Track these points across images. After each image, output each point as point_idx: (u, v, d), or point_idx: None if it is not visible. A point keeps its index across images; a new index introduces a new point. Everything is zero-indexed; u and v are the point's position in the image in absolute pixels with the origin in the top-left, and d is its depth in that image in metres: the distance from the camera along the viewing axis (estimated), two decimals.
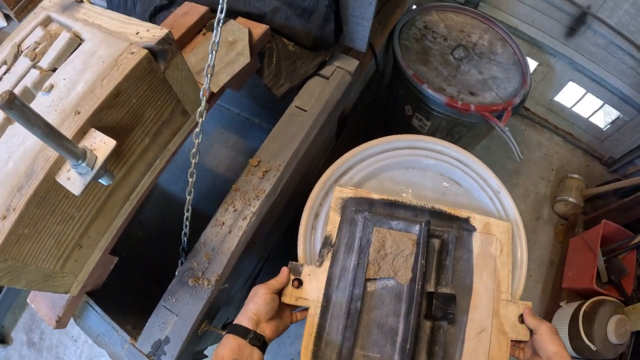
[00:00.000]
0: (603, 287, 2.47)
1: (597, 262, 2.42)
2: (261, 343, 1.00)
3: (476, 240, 1.21)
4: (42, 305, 1.19)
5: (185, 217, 1.13)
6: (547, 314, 2.64)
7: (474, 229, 1.21)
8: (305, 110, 1.33)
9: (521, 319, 1.15)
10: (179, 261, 1.17)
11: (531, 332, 1.11)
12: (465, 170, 1.33)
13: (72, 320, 1.24)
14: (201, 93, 1.01)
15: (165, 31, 0.87)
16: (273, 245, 1.69)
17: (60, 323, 1.17)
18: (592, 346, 2.14)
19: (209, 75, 1.02)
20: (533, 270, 2.95)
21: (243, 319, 1.00)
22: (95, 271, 1.08)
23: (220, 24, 1.03)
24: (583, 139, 3.38)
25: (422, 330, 1.12)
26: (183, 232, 1.15)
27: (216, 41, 1.02)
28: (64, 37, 0.92)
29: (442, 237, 1.19)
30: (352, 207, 1.18)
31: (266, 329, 1.03)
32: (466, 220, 1.22)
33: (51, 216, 0.83)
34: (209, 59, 1.01)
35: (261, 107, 1.88)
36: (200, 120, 1.03)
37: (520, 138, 3.35)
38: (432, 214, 1.21)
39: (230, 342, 0.96)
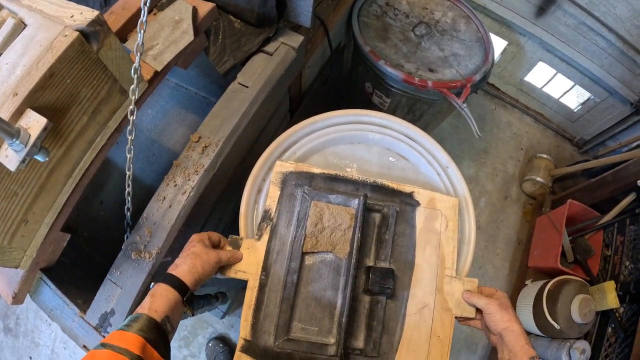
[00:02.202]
0: (569, 266, 2.50)
1: (562, 241, 2.43)
2: (188, 304, 0.95)
3: (420, 215, 1.20)
4: (0, 282, 1.20)
5: (126, 192, 1.15)
6: (514, 293, 2.66)
7: (417, 203, 1.20)
8: (247, 87, 1.32)
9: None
10: (125, 236, 1.18)
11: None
12: (412, 145, 1.32)
13: None
14: (132, 71, 1.01)
15: (95, 13, 0.89)
16: (228, 222, 1.69)
17: (17, 299, 1.18)
18: (555, 325, 2.15)
19: (138, 54, 1.02)
20: (500, 248, 2.97)
21: (187, 276, 0.95)
22: (47, 247, 1.10)
23: (147, 3, 1.03)
24: (554, 119, 3.39)
25: (361, 304, 1.12)
26: (126, 207, 1.17)
27: (143, 20, 1.02)
28: (9, 24, 0.94)
29: (382, 211, 1.17)
30: (292, 181, 1.16)
31: (195, 289, 0.99)
32: (410, 195, 1.21)
33: None
34: (138, 38, 1.02)
35: (216, 86, 1.85)
36: (134, 97, 1.04)
37: (490, 117, 3.35)
38: (373, 189, 1.19)
39: (169, 296, 0.90)
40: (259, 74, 1.34)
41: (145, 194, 1.13)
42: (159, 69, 1.18)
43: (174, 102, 2.00)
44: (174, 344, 2.40)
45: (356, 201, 1.14)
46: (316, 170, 1.18)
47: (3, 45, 0.93)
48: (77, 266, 1.46)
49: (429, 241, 1.19)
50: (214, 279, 1.10)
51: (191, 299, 0.95)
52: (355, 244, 1.09)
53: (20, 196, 0.92)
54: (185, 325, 2.52)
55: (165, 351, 0.83)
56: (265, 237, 1.11)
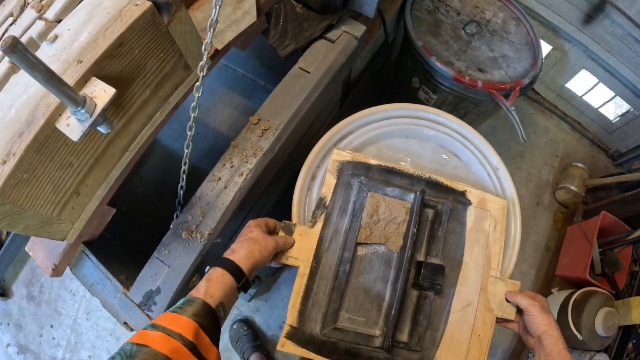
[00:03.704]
0: (596, 278, 2.47)
1: (592, 253, 2.40)
2: (242, 291, 0.94)
3: (471, 215, 1.20)
4: (40, 253, 1.21)
5: (182, 170, 1.13)
6: None
7: (469, 203, 1.21)
8: (309, 72, 1.32)
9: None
10: (175, 215, 1.17)
11: (521, 311, 1.12)
12: (465, 144, 1.32)
13: (71, 274, 1.26)
14: (203, 47, 1.00)
15: None
16: (271, 207, 1.70)
17: (57, 271, 1.19)
18: (579, 335, 2.14)
19: (212, 30, 1.00)
20: (528, 255, 2.95)
21: (244, 261, 0.94)
22: (92, 221, 1.09)
23: None
24: (591, 129, 3.33)
25: (409, 298, 1.12)
26: (180, 185, 1.15)
27: None
28: None
29: (437, 208, 1.18)
30: (349, 171, 1.17)
31: (250, 277, 0.98)
32: (462, 194, 1.21)
33: (50, 162, 0.85)
34: (213, 14, 1.00)
35: (267, 69, 1.87)
36: (202, 74, 1.02)
37: (528, 122, 3.30)
38: (428, 184, 1.20)
39: (225, 282, 0.88)
40: (321, 60, 1.34)
41: (188, 172, 1.14)
42: (219, 48, 1.18)
43: (221, 82, 2.01)
44: None
45: (412, 196, 1.15)
46: (373, 162, 1.19)
47: (63, 12, 0.92)
48: (117, 242, 1.47)
49: (478, 241, 1.19)
50: None
51: (247, 286, 0.94)
52: (410, 238, 1.10)
53: (76, 168, 0.92)
54: None
55: (216, 339, 0.81)
56: (320, 225, 1.12)
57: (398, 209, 1.14)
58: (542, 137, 3.29)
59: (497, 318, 1.16)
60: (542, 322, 1.04)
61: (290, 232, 1.10)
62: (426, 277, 1.08)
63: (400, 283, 1.07)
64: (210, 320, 0.80)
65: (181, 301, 0.82)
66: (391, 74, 2.49)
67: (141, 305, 1.11)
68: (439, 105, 2.10)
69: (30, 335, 2.68)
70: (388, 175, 1.18)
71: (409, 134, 1.32)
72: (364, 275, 1.11)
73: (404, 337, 1.10)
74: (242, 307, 2.61)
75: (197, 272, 1.18)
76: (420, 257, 1.15)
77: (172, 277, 1.11)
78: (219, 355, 0.81)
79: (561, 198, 3.07)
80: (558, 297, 2.43)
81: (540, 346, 1.02)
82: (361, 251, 1.13)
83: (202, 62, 1.02)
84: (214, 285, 0.86)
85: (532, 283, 2.87)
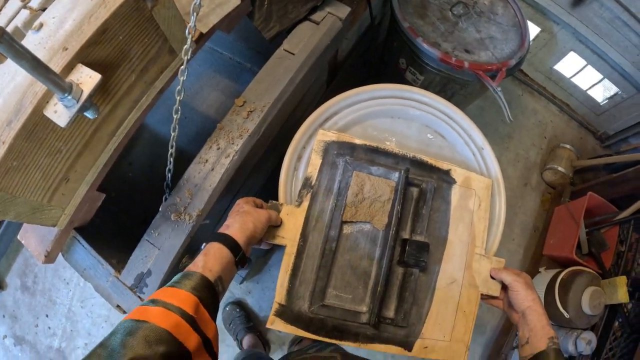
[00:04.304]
0: (582, 258, 2.51)
1: (579, 233, 2.44)
2: (240, 266, 0.94)
3: (455, 193, 1.22)
4: (32, 240, 1.22)
5: (169, 153, 1.14)
6: None
7: (453, 181, 1.22)
8: (293, 54, 1.32)
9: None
10: (164, 197, 1.18)
11: (506, 287, 1.14)
12: (450, 124, 1.33)
13: (64, 263, 1.27)
14: (187, 31, 1.00)
15: None
16: (259, 187, 1.71)
17: (49, 258, 1.21)
18: (565, 313, 2.18)
19: (195, 14, 1.01)
20: (516, 234, 2.99)
21: (239, 234, 0.92)
22: (82, 206, 1.10)
23: None
24: (579, 111, 3.36)
25: (394, 275, 1.14)
26: (167, 168, 1.16)
27: None
28: None
29: (421, 186, 1.19)
30: (334, 150, 1.18)
31: (247, 251, 0.97)
32: (447, 173, 1.23)
33: (39, 149, 0.87)
34: None
35: (253, 52, 1.86)
36: (186, 57, 1.02)
37: (516, 103, 3.32)
38: (413, 163, 1.21)
39: (222, 255, 0.87)
40: (305, 42, 1.34)
41: (176, 156, 1.14)
42: (204, 31, 1.18)
43: (207, 66, 2.01)
44: None
45: (397, 174, 1.16)
46: (358, 141, 1.19)
47: (47, 0, 0.92)
48: (108, 226, 1.48)
49: (462, 219, 1.21)
50: None
51: (243, 260, 0.93)
52: (394, 215, 1.11)
53: (64, 153, 0.93)
54: None
55: (214, 314, 0.80)
56: (306, 203, 1.13)
57: (383, 187, 1.15)
58: (530, 118, 3.31)
59: (481, 294, 1.18)
60: (525, 297, 1.06)
61: (277, 210, 1.11)
62: (411, 254, 1.10)
63: (385, 260, 1.09)
64: (209, 294, 0.80)
65: (178, 275, 0.80)
66: (378, 55, 2.48)
67: (132, 287, 1.13)
68: (425, 86, 2.10)
69: (26, 325, 2.68)
70: (373, 155, 1.19)
71: (394, 114, 1.32)
72: (350, 252, 1.13)
73: (390, 313, 1.12)
74: (234, 289, 2.63)
75: (186, 253, 1.19)
76: (405, 235, 1.16)
77: (162, 258, 1.12)
78: (217, 330, 0.80)
79: (548, 179, 3.10)
80: (545, 275, 2.48)
81: (524, 321, 1.04)
82: (347, 229, 1.14)
83: (186, 46, 1.02)
84: (211, 259, 0.85)
85: (520, 262, 2.91)
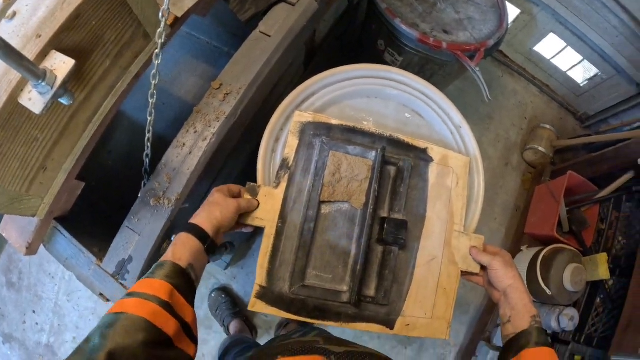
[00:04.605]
0: (564, 236, 2.55)
1: (559, 211, 2.48)
2: (210, 254, 0.95)
3: (432, 171, 1.22)
4: (13, 232, 1.22)
5: (146, 138, 1.14)
6: None
7: (431, 159, 1.23)
8: (269, 36, 1.31)
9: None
10: (142, 183, 1.18)
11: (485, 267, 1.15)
12: (428, 102, 1.33)
13: (48, 257, 1.26)
14: (160, 14, 1.00)
15: None
16: (239, 170, 1.70)
17: (31, 249, 1.20)
18: (547, 290, 2.22)
19: None
20: (498, 213, 3.03)
21: (206, 223, 0.94)
22: (62, 195, 1.10)
23: None
24: (559, 92, 3.39)
25: (374, 254, 1.15)
26: (145, 153, 1.16)
27: None
28: None
29: (398, 164, 1.19)
30: (310, 131, 1.17)
31: (217, 239, 0.99)
32: (424, 151, 1.23)
33: (15, 138, 0.87)
34: None
35: (231, 36, 1.84)
36: (160, 41, 1.01)
37: (497, 84, 3.34)
38: (390, 142, 1.21)
39: (190, 244, 0.89)
40: (281, 23, 1.33)
41: (155, 142, 1.14)
42: (179, 15, 1.17)
43: (184, 51, 1.99)
44: None
45: (373, 153, 1.16)
46: (334, 122, 1.19)
47: None
48: (88, 216, 1.47)
49: (440, 197, 1.22)
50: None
51: (213, 248, 0.95)
52: (372, 194, 1.12)
53: (41, 142, 0.93)
54: None
55: (191, 299, 0.83)
56: (283, 185, 1.12)
57: (360, 167, 1.15)
58: (510, 99, 3.34)
59: (462, 271, 1.19)
60: (505, 275, 1.06)
61: (254, 193, 1.10)
62: (389, 232, 1.11)
63: (364, 239, 1.09)
64: (183, 280, 0.82)
65: (153, 267, 0.83)
66: (357, 37, 2.47)
67: (114, 274, 1.13)
68: (404, 67, 2.10)
69: (14, 323, 2.66)
70: (349, 134, 1.19)
71: (372, 94, 1.32)
72: (328, 232, 1.13)
73: (370, 291, 1.13)
74: (219, 275, 2.64)
75: (167, 239, 1.19)
76: (384, 213, 1.17)
77: (143, 244, 1.12)
78: (194, 314, 0.83)
79: (529, 158, 3.13)
80: (527, 254, 2.51)
81: (506, 300, 1.04)
82: (325, 209, 1.14)
83: (159, 29, 1.01)
84: (179, 248, 0.87)
85: (502, 241, 2.96)
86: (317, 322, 1.10)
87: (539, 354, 0.90)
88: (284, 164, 1.14)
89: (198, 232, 0.92)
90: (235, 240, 2.23)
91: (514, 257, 2.66)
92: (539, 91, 3.41)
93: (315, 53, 1.89)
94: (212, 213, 0.96)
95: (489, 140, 3.19)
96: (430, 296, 1.16)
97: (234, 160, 1.53)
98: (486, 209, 2.96)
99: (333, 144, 1.16)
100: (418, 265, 1.16)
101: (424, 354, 2.72)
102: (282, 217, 1.10)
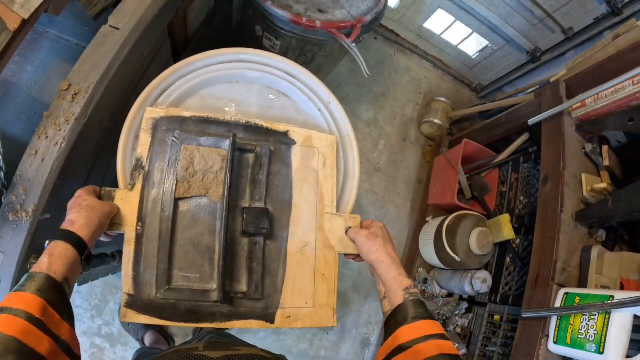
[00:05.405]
0: (467, 203, 2.65)
1: (458, 179, 2.56)
2: (85, 265, 0.89)
3: (296, 154, 1.21)
4: None
5: None
6: (417, 229, 2.80)
7: (293, 142, 1.21)
8: (118, 29, 1.24)
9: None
10: (2, 199, 1.10)
11: None
12: (292, 81, 1.31)
13: None
14: None
15: None
16: (114, 175, 1.63)
17: None
18: (456, 257, 2.29)
19: None
20: (401, 189, 3.09)
21: (85, 230, 0.87)
22: None
23: None
24: (452, 65, 3.50)
25: (240, 247, 1.12)
26: None
27: None
28: None
29: (256, 151, 1.16)
30: (163, 127, 1.12)
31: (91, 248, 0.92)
32: (285, 134, 1.21)
33: None
34: None
35: None
36: None
37: (389, 62, 3.39)
38: (247, 129, 1.18)
39: (67, 254, 0.82)
40: (130, 15, 1.26)
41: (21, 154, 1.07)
42: (26, 17, 1.09)
43: (54, 55, 1.86)
44: (86, 314, 2.31)
45: (227, 142, 1.12)
46: (187, 114, 1.15)
47: None
48: None
49: (307, 180, 1.20)
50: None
51: (89, 258, 0.89)
52: (225, 185, 1.07)
53: None
54: (95, 294, 2.41)
55: (68, 315, 0.76)
56: (138, 186, 1.07)
57: (213, 158, 1.11)
58: (404, 76, 3.40)
59: (345, 254, 1.18)
60: (369, 250, 1.04)
61: (110, 198, 1.05)
62: (249, 222, 1.08)
63: (222, 231, 1.05)
64: (57, 295, 0.76)
65: (23, 278, 0.75)
66: (237, 25, 2.42)
67: None
68: (284, 51, 2.08)
69: None
70: (203, 125, 1.15)
71: (232, 78, 1.28)
72: (189, 230, 1.09)
73: (242, 287, 1.10)
74: None
75: (33, 252, 1.12)
76: (245, 204, 1.14)
77: (8, 262, 1.05)
78: (72, 331, 0.77)
79: (426, 132, 3.22)
80: (432, 224, 2.59)
81: (377, 275, 1.02)
82: (183, 206, 1.10)
83: None
84: (56, 259, 0.80)
85: (409, 215, 3.04)
86: (192, 325, 1.06)
87: (415, 329, 0.84)
88: (138, 163, 1.09)
89: (76, 241, 0.85)
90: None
91: (420, 229, 2.74)
92: (432, 66, 3.50)
93: (189, 44, 1.83)
94: (92, 220, 0.91)
95: (384, 117, 3.23)
96: (308, 284, 1.14)
97: (105, 162, 1.46)
98: (389, 186, 3.03)
99: (185, 136, 1.12)
100: (290, 254, 1.15)
101: (346, 336, 2.74)
102: (141, 219, 1.06)
